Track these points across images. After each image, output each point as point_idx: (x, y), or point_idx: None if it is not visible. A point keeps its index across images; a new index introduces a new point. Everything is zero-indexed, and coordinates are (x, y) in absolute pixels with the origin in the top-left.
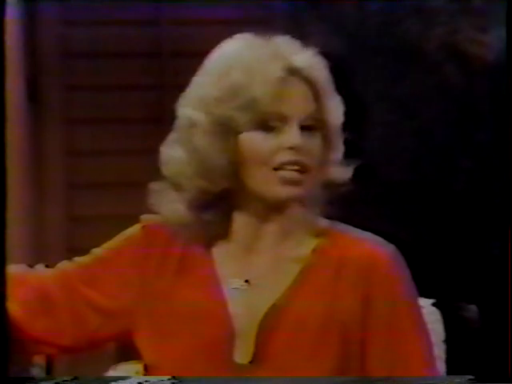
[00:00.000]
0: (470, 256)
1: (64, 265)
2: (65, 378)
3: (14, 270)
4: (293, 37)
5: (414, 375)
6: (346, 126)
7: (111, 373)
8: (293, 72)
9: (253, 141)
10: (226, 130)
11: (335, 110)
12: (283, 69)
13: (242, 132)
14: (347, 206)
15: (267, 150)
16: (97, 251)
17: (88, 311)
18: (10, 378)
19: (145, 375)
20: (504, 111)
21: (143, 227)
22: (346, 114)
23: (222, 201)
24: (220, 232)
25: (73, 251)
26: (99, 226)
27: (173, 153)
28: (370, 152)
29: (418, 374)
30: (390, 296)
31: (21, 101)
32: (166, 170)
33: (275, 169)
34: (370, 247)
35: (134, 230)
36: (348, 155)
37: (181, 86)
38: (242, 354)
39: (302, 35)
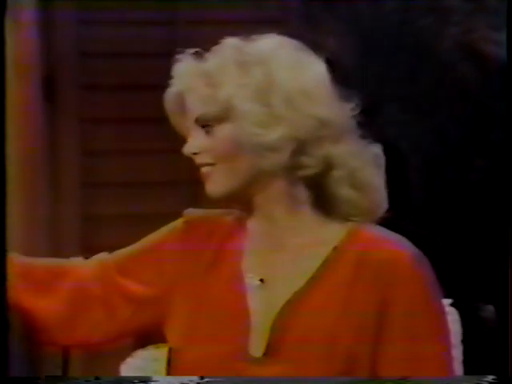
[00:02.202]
0: (488, 256)
1: (103, 256)
2: (87, 378)
3: (52, 260)
4: (308, 37)
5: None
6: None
7: (129, 361)
8: (188, 81)
9: None
10: None
11: (239, 100)
12: (181, 80)
13: None
14: None
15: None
16: (139, 242)
17: (120, 301)
18: (11, 377)
19: (168, 359)
20: None
21: (185, 221)
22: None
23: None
24: (246, 227)
25: (88, 250)
26: (114, 225)
27: None
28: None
29: None
30: (408, 300)
31: (37, 101)
32: None
33: None
34: (392, 248)
35: (176, 223)
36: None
37: None
38: (256, 347)
39: (317, 35)
